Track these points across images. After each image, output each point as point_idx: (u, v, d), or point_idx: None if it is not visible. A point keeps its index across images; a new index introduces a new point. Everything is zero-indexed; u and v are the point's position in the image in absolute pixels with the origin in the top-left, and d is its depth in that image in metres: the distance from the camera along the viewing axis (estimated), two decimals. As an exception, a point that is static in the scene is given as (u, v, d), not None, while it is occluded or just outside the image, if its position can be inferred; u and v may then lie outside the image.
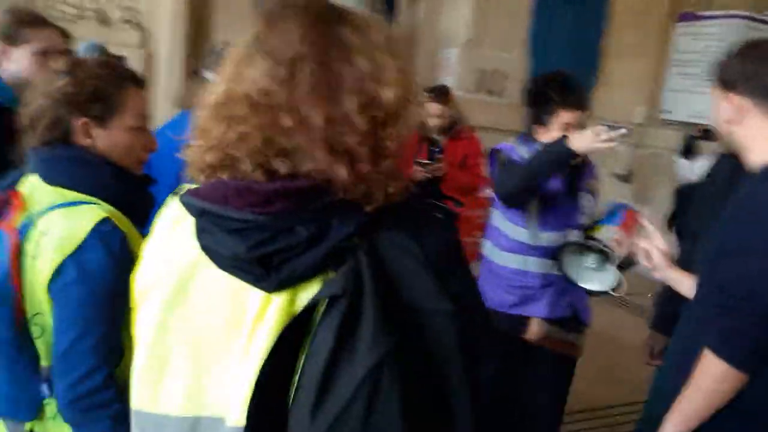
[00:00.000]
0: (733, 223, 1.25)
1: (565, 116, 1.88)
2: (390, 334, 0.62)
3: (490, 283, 2.06)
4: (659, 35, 6.01)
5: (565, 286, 1.95)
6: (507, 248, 2.02)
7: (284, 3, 0.73)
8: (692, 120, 5.43)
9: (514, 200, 1.92)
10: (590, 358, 3.77)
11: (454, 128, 3.13)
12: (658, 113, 5.78)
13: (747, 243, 1.20)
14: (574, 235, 1.96)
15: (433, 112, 3.09)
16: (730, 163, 1.74)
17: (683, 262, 1.78)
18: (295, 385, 0.64)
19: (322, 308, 0.64)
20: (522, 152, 1.96)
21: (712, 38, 5.30)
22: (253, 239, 0.66)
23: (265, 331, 0.66)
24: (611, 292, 1.83)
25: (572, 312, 2.01)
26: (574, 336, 2.03)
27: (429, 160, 3.06)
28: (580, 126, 1.88)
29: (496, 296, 2.03)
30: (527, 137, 2.01)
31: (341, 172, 0.67)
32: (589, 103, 1.96)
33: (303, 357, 0.64)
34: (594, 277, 1.85)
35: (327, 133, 0.67)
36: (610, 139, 1.71)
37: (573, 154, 1.75)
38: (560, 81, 1.92)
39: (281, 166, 0.68)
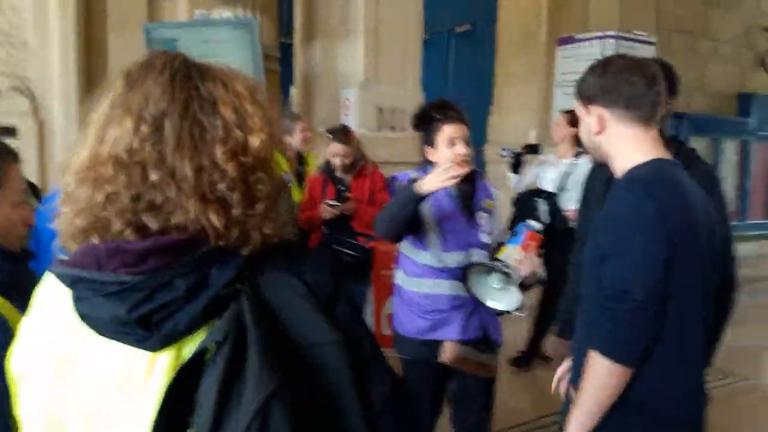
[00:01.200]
0: (603, 228, 1.35)
1: (447, 130, 2.01)
2: (276, 374, 0.63)
3: (403, 310, 2.11)
4: (544, 60, 6.43)
5: (475, 306, 2.01)
6: (416, 274, 2.08)
7: (143, 63, 0.75)
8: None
9: (388, 237, 2.11)
10: (517, 374, 3.92)
11: (357, 166, 3.20)
12: (549, 133, 6.14)
13: (615, 246, 1.29)
14: (478, 254, 2.04)
15: (336, 152, 3.14)
16: (603, 172, 1.88)
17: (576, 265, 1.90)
18: None
19: (209, 357, 0.65)
20: (415, 177, 2.03)
21: (590, 58, 5.69)
22: (131, 300, 0.66)
23: (155, 390, 0.66)
24: (515, 312, 1.91)
25: (483, 332, 2.07)
26: (488, 356, 2.07)
27: (337, 199, 3.10)
28: (465, 140, 2.03)
29: (409, 323, 2.08)
30: (423, 163, 2.12)
31: (214, 219, 0.69)
32: (467, 118, 2.09)
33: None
34: (499, 297, 1.93)
35: (197, 183, 0.68)
36: (455, 176, 1.84)
37: (420, 197, 1.87)
38: (439, 102, 2.10)
39: (152, 222, 0.68)
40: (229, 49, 4.24)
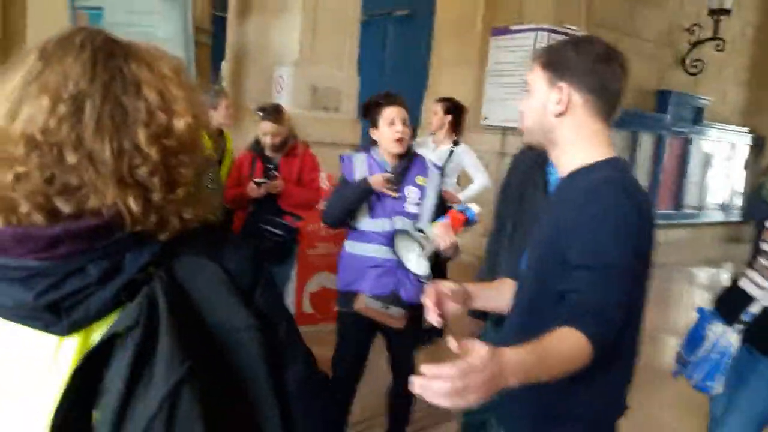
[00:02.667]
0: (572, 236, 1.19)
1: (387, 111, 2.35)
2: (187, 359, 0.63)
3: (341, 268, 2.50)
4: (478, 49, 6.57)
5: (391, 268, 2.34)
6: (349, 237, 2.46)
7: (60, 39, 0.72)
8: (507, 125, 6.01)
9: (337, 225, 2.49)
10: (430, 350, 4.08)
11: (287, 145, 3.21)
12: (479, 120, 6.32)
13: (592, 255, 1.16)
14: (402, 222, 2.33)
15: (266, 131, 3.14)
16: (530, 158, 1.95)
17: (503, 243, 2.01)
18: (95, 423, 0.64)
19: (119, 343, 0.64)
20: (357, 161, 2.44)
21: (523, 50, 5.91)
22: (39, 286, 0.64)
23: (61, 374, 0.65)
24: (422, 279, 2.13)
25: (392, 291, 2.36)
26: (395, 309, 2.37)
27: (265, 178, 3.10)
28: (403, 121, 2.37)
29: (340, 278, 2.49)
30: (367, 145, 2.48)
31: (132, 204, 0.68)
32: (405, 103, 2.43)
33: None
34: (415, 263, 2.09)
35: (116, 166, 0.67)
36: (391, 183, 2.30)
37: (370, 189, 2.32)
38: (384, 93, 2.45)
39: (65, 206, 0.67)
40: (158, 21, 4.12)
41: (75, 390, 0.63)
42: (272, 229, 3.12)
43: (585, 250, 1.18)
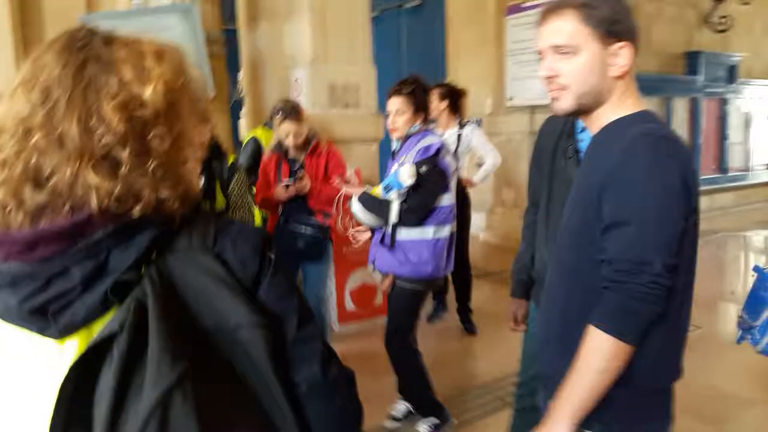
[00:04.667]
0: (610, 191, 1.16)
1: (388, 103, 2.61)
2: (179, 363, 0.60)
3: None
4: (494, 30, 6.45)
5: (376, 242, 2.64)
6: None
7: (47, 42, 0.72)
8: (532, 103, 5.87)
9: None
10: (478, 338, 4.01)
11: (310, 144, 3.16)
12: (504, 101, 6.18)
13: (631, 213, 1.13)
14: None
15: (287, 131, 3.09)
16: (556, 125, 1.85)
17: (539, 217, 1.89)
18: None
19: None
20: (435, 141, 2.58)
21: (538, 26, 5.76)
22: (24, 290, 0.63)
23: (59, 379, 0.62)
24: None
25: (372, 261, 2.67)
26: (376, 275, 2.67)
27: (291, 178, 3.06)
28: (396, 112, 2.59)
29: None
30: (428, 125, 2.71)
31: (93, 178, 0.65)
32: (406, 90, 2.59)
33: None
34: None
35: (83, 142, 0.65)
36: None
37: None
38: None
39: (37, 195, 0.65)
40: (170, 38, 4.12)
41: (67, 400, 0.60)
42: (304, 229, 3.06)
43: (622, 205, 1.14)
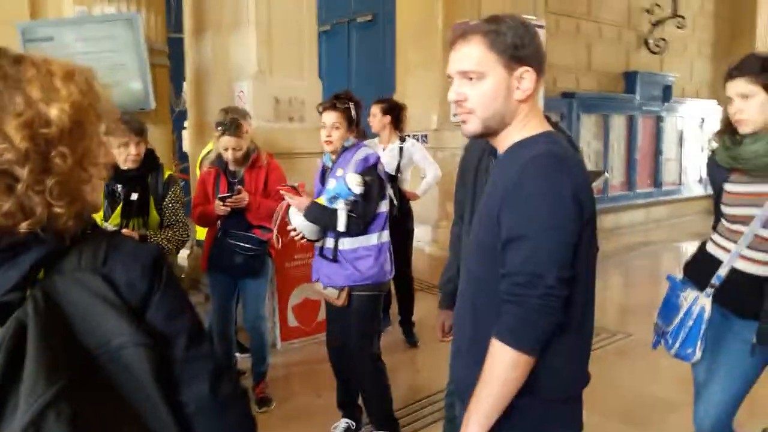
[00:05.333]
0: (509, 206, 1.21)
1: (323, 116, 2.70)
2: (54, 382, 0.61)
3: None
4: (441, 48, 6.58)
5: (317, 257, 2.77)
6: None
7: None
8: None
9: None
10: (420, 350, 4.07)
11: (250, 158, 3.15)
12: (449, 117, 6.31)
13: (527, 227, 1.18)
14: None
15: (226, 145, 3.08)
16: (480, 144, 1.92)
17: (463, 230, 1.96)
18: None
19: None
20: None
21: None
22: None
23: None
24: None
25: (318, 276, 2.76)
26: (329, 291, 2.71)
27: (229, 192, 3.05)
28: (332, 126, 2.67)
29: None
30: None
31: None
32: (341, 106, 2.69)
33: None
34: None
35: None
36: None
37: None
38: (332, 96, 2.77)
39: None
40: (111, 46, 4.07)
41: None
42: (242, 244, 3.06)
43: (517, 222, 1.19)
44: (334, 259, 2.63)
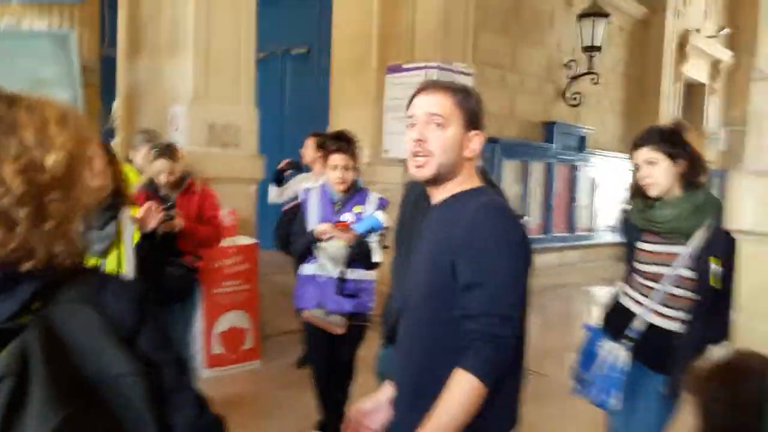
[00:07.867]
0: (467, 255, 1.29)
1: (332, 158, 2.95)
2: (61, 410, 0.63)
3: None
4: (375, 85, 6.77)
5: (320, 285, 2.88)
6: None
7: None
8: (405, 157, 6.20)
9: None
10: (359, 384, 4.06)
11: (184, 183, 3.13)
12: (381, 153, 6.48)
13: (491, 274, 1.27)
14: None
15: (160, 169, 3.05)
16: (417, 186, 2.04)
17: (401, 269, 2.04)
18: None
19: None
20: (313, 194, 3.00)
21: (414, 86, 6.14)
22: None
23: None
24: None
25: (319, 303, 2.89)
26: (333, 318, 2.87)
27: (164, 217, 3.00)
28: (346, 167, 2.93)
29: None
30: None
31: None
32: (349, 148, 2.99)
33: None
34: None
35: None
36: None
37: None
38: (334, 135, 3.13)
39: None
40: (44, 62, 3.94)
41: None
42: (171, 270, 3.00)
43: (478, 268, 1.28)
44: (341, 290, 2.85)
